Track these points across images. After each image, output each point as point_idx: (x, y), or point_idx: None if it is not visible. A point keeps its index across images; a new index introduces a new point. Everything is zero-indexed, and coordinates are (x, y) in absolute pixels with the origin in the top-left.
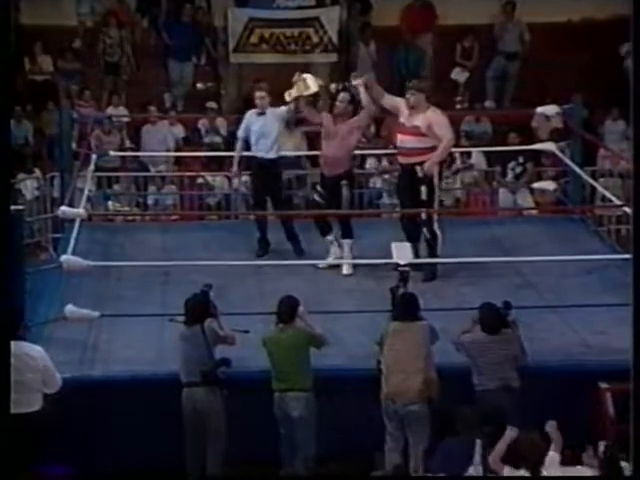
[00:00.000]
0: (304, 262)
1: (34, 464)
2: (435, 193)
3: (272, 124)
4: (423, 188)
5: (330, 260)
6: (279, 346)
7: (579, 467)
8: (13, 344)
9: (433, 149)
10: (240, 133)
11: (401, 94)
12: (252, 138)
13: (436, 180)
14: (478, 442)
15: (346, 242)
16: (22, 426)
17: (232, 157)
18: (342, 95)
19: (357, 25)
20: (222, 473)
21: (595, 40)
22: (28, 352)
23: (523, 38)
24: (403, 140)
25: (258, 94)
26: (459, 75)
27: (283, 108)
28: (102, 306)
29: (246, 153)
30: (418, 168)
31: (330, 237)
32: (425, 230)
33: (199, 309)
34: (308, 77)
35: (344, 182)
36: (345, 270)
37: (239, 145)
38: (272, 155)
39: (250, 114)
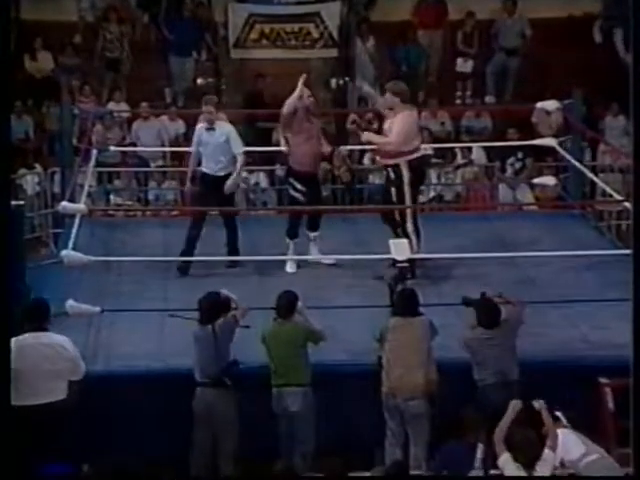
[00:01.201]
0: (305, 258)
1: (60, 452)
2: (405, 195)
3: (221, 140)
4: (392, 190)
5: (317, 256)
6: (278, 341)
7: (564, 429)
8: (45, 335)
9: (401, 153)
10: (193, 148)
11: None
12: (201, 152)
13: (407, 186)
14: (480, 446)
15: (316, 234)
16: (54, 413)
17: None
18: (306, 91)
19: (356, 21)
20: (234, 473)
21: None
22: (60, 342)
23: (524, 34)
24: None
25: (205, 109)
26: (463, 66)
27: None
28: (103, 301)
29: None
30: (389, 170)
31: (317, 233)
32: (399, 231)
33: (213, 308)
34: None
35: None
36: (328, 260)
37: (193, 160)
38: (221, 172)
39: (199, 128)
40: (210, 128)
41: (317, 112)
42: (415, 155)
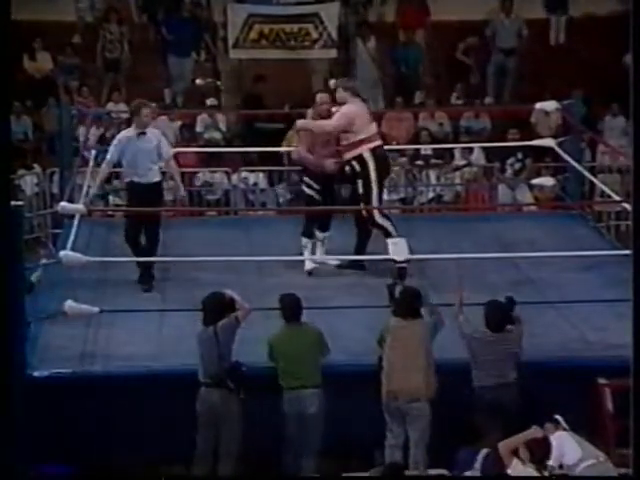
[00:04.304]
0: (304, 258)
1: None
2: (372, 187)
3: (152, 146)
4: (359, 182)
5: (322, 257)
6: (290, 344)
7: (562, 432)
8: None
9: (360, 142)
10: (112, 157)
11: (401, 91)
12: (126, 160)
13: (373, 175)
14: (483, 451)
15: (326, 235)
16: None
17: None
18: (320, 96)
19: (355, 21)
20: (235, 473)
21: (595, 36)
22: None
23: (521, 33)
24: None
25: (144, 111)
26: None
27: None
28: (101, 302)
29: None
30: (354, 164)
31: (326, 234)
32: (369, 226)
33: (216, 309)
34: None
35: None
36: (333, 261)
37: (107, 169)
38: (152, 179)
39: (125, 137)
40: (142, 133)
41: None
42: (376, 143)
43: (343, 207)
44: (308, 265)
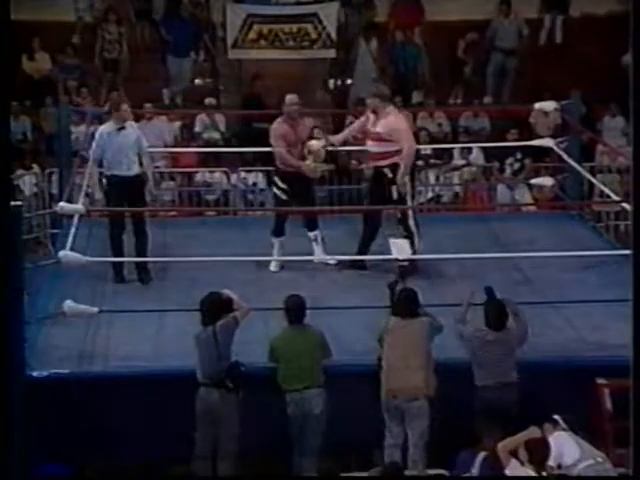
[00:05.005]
0: (303, 258)
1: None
2: (407, 191)
3: (132, 139)
4: (394, 188)
5: (321, 256)
6: (292, 346)
7: (561, 433)
8: None
9: (397, 152)
10: (95, 154)
11: (400, 90)
12: (108, 155)
13: (406, 179)
14: (482, 454)
15: (316, 234)
16: None
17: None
18: (289, 97)
19: (359, 22)
20: (234, 473)
21: (594, 36)
22: None
23: (521, 33)
24: (369, 145)
25: (124, 107)
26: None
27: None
28: (101, 302)
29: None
30: (386, 170)
31: (316, 232)
32: (401, 228)
33: (214, 309)
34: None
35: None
36: (332, 261)
37: (95, 167)
38: (134, 172)
39: (106, 132)
40: (122, 127)
41: (300, 118)
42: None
43: (342, 207)
44: (273, 266)
